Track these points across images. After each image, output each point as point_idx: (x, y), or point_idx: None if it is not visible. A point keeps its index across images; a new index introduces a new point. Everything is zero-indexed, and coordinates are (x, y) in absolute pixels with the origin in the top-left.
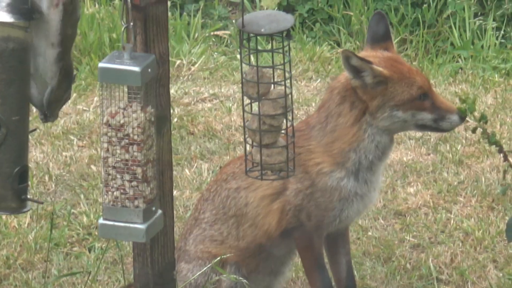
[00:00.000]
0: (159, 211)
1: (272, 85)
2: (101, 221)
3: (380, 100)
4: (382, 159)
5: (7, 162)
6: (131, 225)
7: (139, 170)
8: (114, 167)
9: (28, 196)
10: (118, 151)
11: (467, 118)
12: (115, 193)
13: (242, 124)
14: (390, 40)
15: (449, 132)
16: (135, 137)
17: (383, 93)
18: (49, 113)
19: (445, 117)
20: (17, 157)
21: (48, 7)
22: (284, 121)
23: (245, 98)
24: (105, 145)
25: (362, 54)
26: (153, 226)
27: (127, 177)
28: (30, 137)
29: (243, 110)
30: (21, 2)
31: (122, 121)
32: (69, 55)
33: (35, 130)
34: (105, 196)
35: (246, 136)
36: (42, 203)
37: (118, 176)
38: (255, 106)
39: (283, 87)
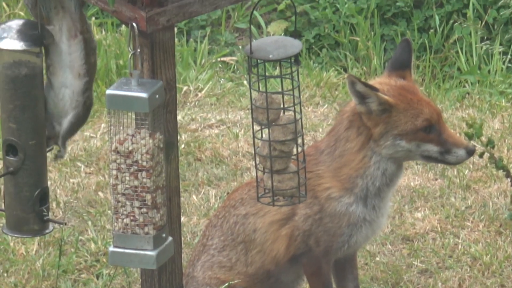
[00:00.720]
0: (169, 238)
1: (282, 111)
2: (111, 248)
3: (383, 128)
4: (390, 186)
5: (27, 186)
6: (142, 252)
7: (148, 196)
8: (123, 194)
9: (50, 217)
10: (127, 178)
11: (474, 143)
12: (125, 220)
13: (249, 150)
14: (409, 68)
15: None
16: (144, 163)
17: (386, 120)
18: (62, 144)
19: (451, 151)
20: (36, 180)
21: (68, 39)
22: (295, 146)
23: (255, 124)
24: (114, 172)
25: (375, 80)
26: (163, 253)
27: (136, 203)
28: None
29: (253, 137)
30: (31, 29)
31: (130, 148)
32: (92, 85)
33: (51, 149)
34: (115, 224)
35: (257, 162)
36: (65, 223)
37: (128, 203)
38: (265, 133)
39: (292, 113)
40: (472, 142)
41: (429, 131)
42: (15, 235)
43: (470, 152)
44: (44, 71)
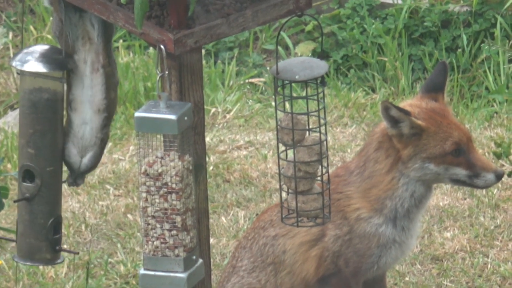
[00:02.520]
0: (200, 260)
1: (307, 132)
2: (142, 271)
3: (412, 150)
4: (419, 207)
5: (41, 214)
6: (172, 274)
7: (178, 218)
8: (153, 217)
9: (63, 247)
10: (157, 200)
11: (503, 162)
12: (155, 242)
13: (277, 171)
14: (442, 91)
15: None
16: (174, 185)
17: (416, 143)
18: (81, 177)
19: (480, 175)
20: (51, 208)
21: (91, 73)
22: (320, 167)
23: (280, 145)
24: (144, 194)
25: (406, 102)
26: (194, 275)
27: (166, 226)
28: (65, 187)
29: (278, 157)
30: (55, 53)
31: (160, 170)
32: (111, 121)
33: (65, 181)
34: (145, 246)
35: (282, 183)
36: (77, 253)
37: (158, 225)
38: (290, 153)
39: (318, 134)
40: (500, 161)
41: (458, 155)
42: (27, 263)
43: (499, 177)
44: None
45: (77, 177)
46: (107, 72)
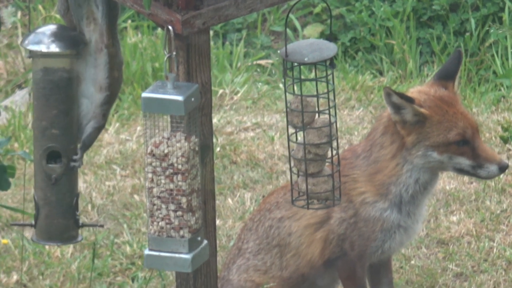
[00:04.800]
0: (205, 241)
1: (317, 114)
2: (146, 251)
3: (416, 138)
4: (424, 193)
5: (68, 192)
6: (177, 255)
7: (184, 199)
8: (159, 197)
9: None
10: (163, 181)
11: (510, 146)
12: (160, 223)
13: (285, 153)
14: (453, 79)
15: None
16: (180, 166)
17: (419, 131)
18: (81, 153)
19: (483, 166)
20: (74, 186)
21: (95, 52)
22: (329, 149)
23: (289, 127)
24: (150, 175)
25: (416, 88)
26: (198, 256)
27: (172, 207)
28: None
29: (288, 140)
30: (67, 30)
31: (166, 151)
32: (114, 99)
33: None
34: (150, 227)
35: (292, 165)
36: (102, 226)
37: (163, 206)
38: (300, 136)
39: (327, 116)
40: (507, 145)
41: (462, 145)
42: (56, 244)
43: (503, 169)
44: None
45: (79, 154)
46: (111, 52)
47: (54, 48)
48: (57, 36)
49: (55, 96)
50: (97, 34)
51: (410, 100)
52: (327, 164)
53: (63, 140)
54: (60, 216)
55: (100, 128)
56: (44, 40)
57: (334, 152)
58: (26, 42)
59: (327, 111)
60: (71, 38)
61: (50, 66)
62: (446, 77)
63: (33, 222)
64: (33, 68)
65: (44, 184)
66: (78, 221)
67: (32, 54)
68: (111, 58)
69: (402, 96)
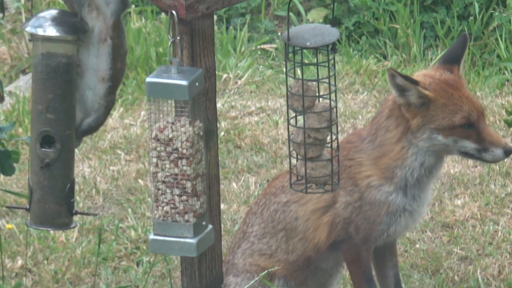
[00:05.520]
0: (210, 226)
1: (317, 99)
2: (151, 236)
3: (421, 121)
4: (430, 177)
5: (61, 178)
6: (182, 239)
7: (188, 184)
8: (163, 182)
9: (79, 210)
10: (168, 166)
11: None
12: (165, 208)
13: (288, 137)
14: (458, 63)
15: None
16: (184, 151)
17: (424, 114)
18: (79, 139)
19: (488, 149)
20: (69, 172)
21: (97, 42)
22: (329, 134)
23: (290, 111)
24: (154, 160)
25: (421, 72)
26: (203, 241)
27: (176, 191)
28: (77, 151)
29: (288, 124)
30: (69, 16)
31: (170, 136)
32: (117, 89)
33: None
34: (155, 211)
35: (291, 149)
36: (96, 215)
37: (168, 190)
38: (300, 120)
39: (328, 101)
40: (511, 129)
41: (468, 128)
42: (47, 229)
43: (508, 152)
44: None
45: (76, 137)
46: (115, 44)
47: (52, 32)
48: (57, 21)
49: (52, 81)
50: (100, 22)
51: (414, 82)
52: (326, 149)
53: (58, 125)
54: (51, 202)
55: (99, 123)
56: (44, 24)
57: (334, 137)
58: (27, 25)
59: (328, 96)
60: (71, 24)
61: (50, 50)
62: (451, 60)
63: (27, 206)
64: (33, 52)
65: (38, 168)
66: (72, 208)
67: (33, 38)
68: (115, 49)
69: (406, 78)
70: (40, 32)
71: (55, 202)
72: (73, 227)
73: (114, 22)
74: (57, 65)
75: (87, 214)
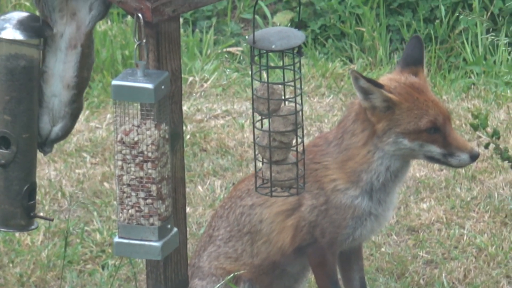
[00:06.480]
0: (175, 229)
1: (283, 102)
2: (116, 239)
3: (386, 125)
4: (395, 181)
5: (16, 180)
6: (147, 243)
7: (153, 187)
8: (128, 185)
9: (39, 214)
10: (133, 169)
11: (480, 134)
12: (130, 211)
13: (254, 140)
14: (421, 64)
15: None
16: (149, 154)
17: (389, 118)
18: (49, 146)
19: (454, 154)
20: (26, 175)
21: (66, 48)
22: (295, 138)
23: (256, 114)
24: (120, 162)
25: (386, 76)
26: (168, 244)
27: (142, 194)
28: (42, 154)
29: (253, 127)
30: (32, 20)
31: (136, 139)
32: (82, 97)
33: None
34: (120, 214)
35: (257, 152)
36: (52, 219)
37: (133, 193)
38: (266, 123)
39: (293, 104)
40: (477, 132)
41: (433, 132)
42: (1, 229)
43: (474, 157)
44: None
45: (46, 144)
46: (84, 52)
47: (16, 35)
48: (19, 24)
49: (9, 83)
50: (72, 28)
51: (378, 84)
52: (292, 152)
53: (14, 128)
54: (6, 203)
55: (67, 130)
56: (7, 27)
57: (300, 140)
58: None
59: (293, 99)
60: (33, 28)
61: (7, 52)
62: (413, 63)
63: None
64: None
65: None
66: (31, 210)
67: None
68: (83, 58)
69: (369, 80)
70: (3, 35)
71: (10, 204)
72: (32, 229)
73: (90, 30)
74: (14, 68)
75: (44, 218)
